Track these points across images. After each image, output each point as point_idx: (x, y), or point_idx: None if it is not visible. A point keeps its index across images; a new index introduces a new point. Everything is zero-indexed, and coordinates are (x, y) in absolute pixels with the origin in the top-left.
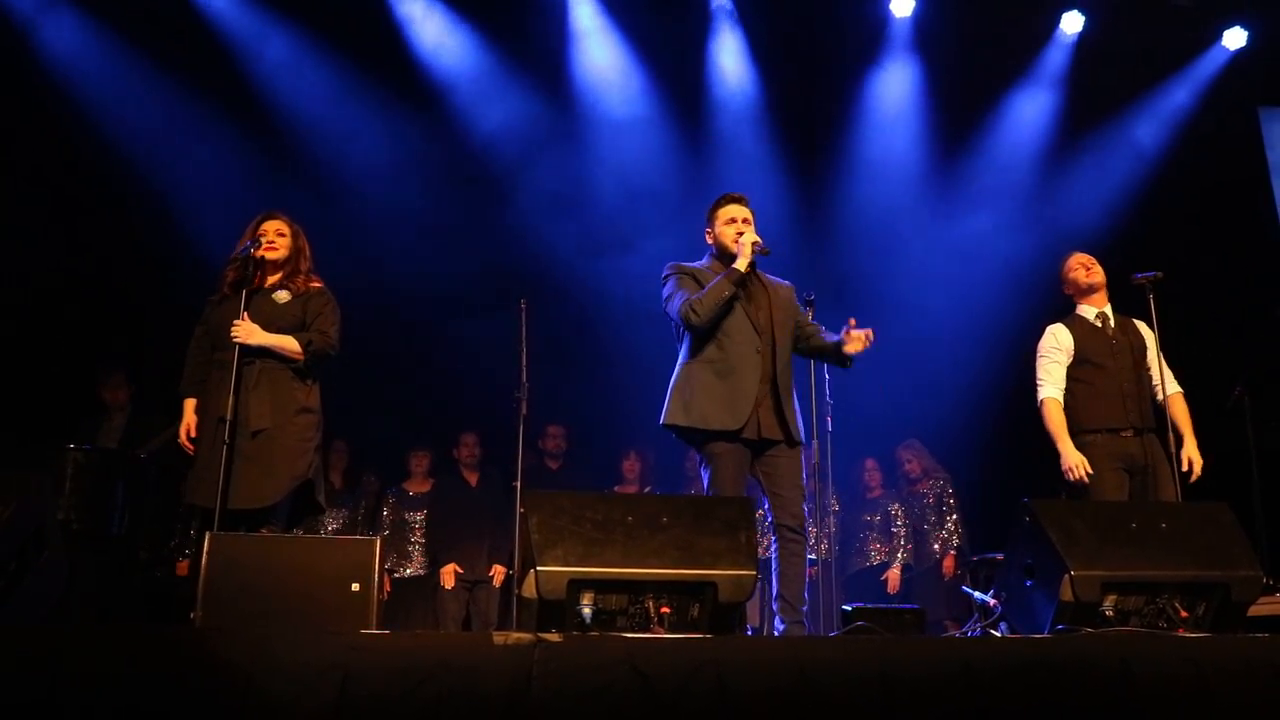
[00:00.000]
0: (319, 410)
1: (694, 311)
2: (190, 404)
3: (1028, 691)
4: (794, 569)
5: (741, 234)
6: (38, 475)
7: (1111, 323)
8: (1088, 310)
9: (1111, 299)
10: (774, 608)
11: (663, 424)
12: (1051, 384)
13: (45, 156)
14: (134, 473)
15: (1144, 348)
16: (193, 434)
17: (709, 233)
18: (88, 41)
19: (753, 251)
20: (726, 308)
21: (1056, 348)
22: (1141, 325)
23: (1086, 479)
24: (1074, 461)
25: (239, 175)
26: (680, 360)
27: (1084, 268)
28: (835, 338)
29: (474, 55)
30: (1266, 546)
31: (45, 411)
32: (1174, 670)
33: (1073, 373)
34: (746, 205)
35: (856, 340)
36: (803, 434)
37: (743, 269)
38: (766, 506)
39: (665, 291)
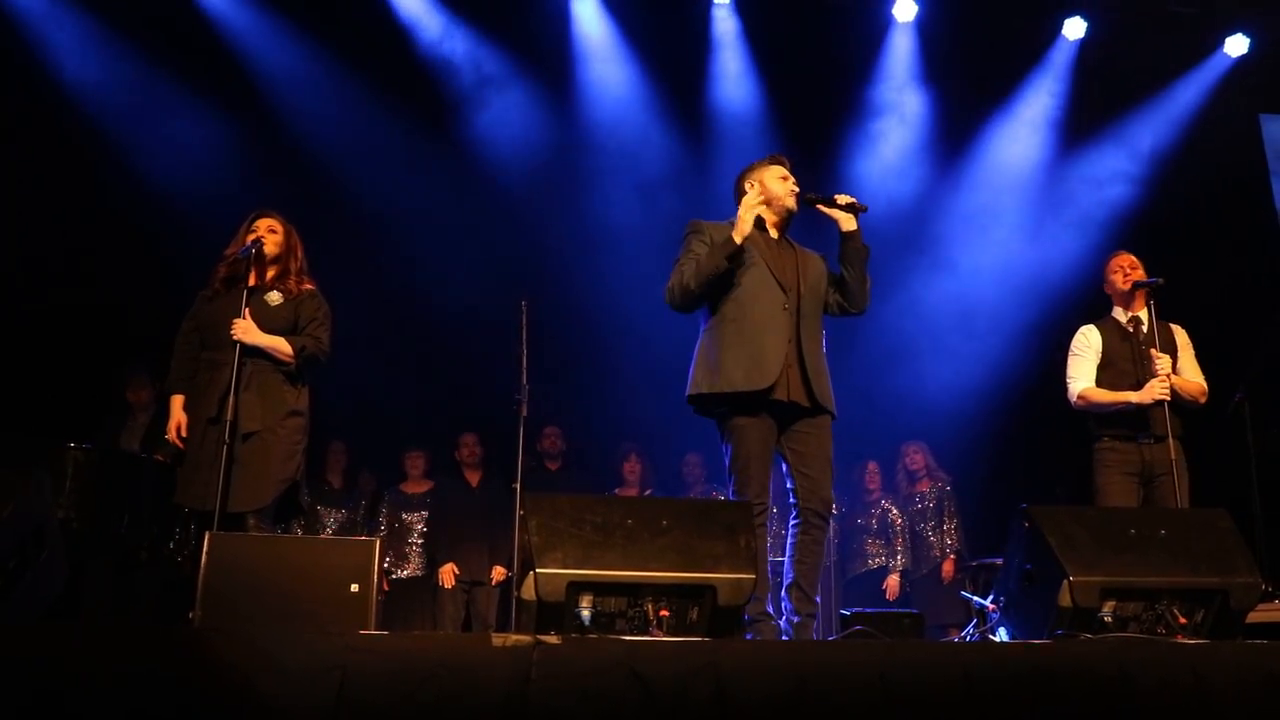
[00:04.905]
0: (307, 413)
1: (675, 291)
2: (178, 400)
3: (1026, 697)
4: (813, 557)
5: (795, 192)
6: (38, 473)
7: (1144, 328)
8: (1121, 315)
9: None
10: (783, 596)
11: (687, 396)
12: (1082, 379)
13: (55, 154)
14: (135, 472)
15: (1174, 353)
16: (183, 432)
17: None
18: (102, 51)
19: (795, 202)
20: (723, 278)
21: (1087, 346)
22: (1177, 330)
23: (1168, 396)
24: (1152, 393)
25: (243, 176)
26: (701, 327)
27: (1123, 271)
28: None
29: (477, 57)
30: (1266, 553)
31: (69, 411)
32: (1172, 677)
33: (1098, 376)
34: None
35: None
36: (833, 404)
37: (746, 232)
38: (789, 486)
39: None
